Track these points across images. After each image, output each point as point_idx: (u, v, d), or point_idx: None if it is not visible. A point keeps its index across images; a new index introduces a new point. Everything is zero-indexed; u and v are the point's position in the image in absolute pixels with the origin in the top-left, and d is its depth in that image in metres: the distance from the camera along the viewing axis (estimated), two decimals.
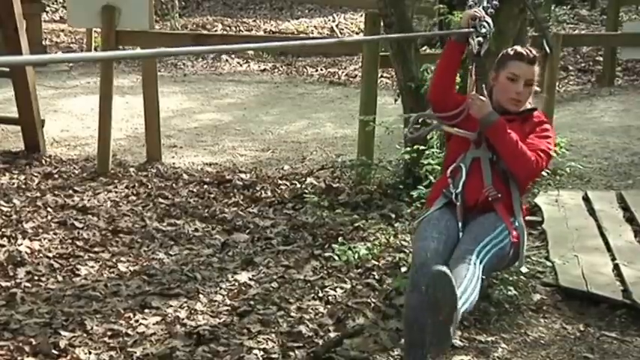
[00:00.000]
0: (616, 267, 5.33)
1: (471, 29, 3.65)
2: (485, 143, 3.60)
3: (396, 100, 7.14)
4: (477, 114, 3.54)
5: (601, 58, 13.43)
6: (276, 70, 14.41)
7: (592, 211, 6.61)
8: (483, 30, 3.63)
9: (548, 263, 5.41)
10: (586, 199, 6.98)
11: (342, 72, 14.16)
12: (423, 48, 8.79)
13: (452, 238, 3.47)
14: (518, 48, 3.75)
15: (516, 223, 3.54)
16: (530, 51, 3.70)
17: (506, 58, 3.70)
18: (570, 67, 13.78)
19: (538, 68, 3.70)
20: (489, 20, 3.67)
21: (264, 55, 15.19)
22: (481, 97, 3.56)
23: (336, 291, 4.90)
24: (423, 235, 3.51)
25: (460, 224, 3.50)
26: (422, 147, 5.48)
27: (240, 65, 14.73)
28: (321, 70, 14.37)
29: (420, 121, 4.15)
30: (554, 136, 3.79)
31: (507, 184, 3.58)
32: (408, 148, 5.93)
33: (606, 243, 5.83)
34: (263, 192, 7.04)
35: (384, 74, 12.00)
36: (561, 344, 4.43)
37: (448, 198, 3.59)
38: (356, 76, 13.23)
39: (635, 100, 11.46)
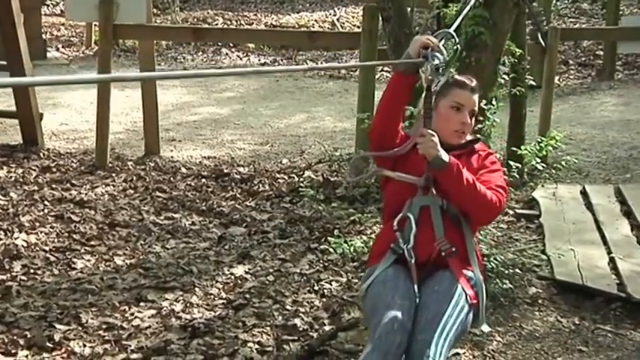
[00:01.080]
0: (612, 260, 5.33)
1: (421, 59, 3.06)
2: (434, 189, 3.12)
3: None
4: (427, 155, 3.01)
5: (601, 52, 13.42)
6: (276, 64, 14.41)
7: (589, 205, 6.61)
8: (436, 61, 3.03)
9: (544, 257, 5.42)
10: (584, 192, 6.98)
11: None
12: None
13: (413, 306, 2.97)
14: (458, 76, 3.34)
15: (474, 278, 3.09)
16: (471, 79, 3.31)
17: (446, 87, 3.23)
18: (570, 61, 13.77)
19: (477, 98, 3.31)
20: (444, 50, 3.11)
21: (265, 48, 15.19)
22: (433, 134, 3.01)
23: (331, 284, 4.91)
24: (384, 301, 2.96)
25: (416, 287, 3.00)
26: None
27: (241, 59, 14.74)
28: (321, 64, 14.37)
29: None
30: (502, 168, 3.36)
31: (460, 232, 3.13)
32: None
33: (602, 236, 5.83)
34: (261, 185, 7.04)
35: (385, 68, 12.00)
36: (556, 337, 4.44)
37: (398, 254, 3.09)
38: (356, 69, 13.21)
39: (635, 94, 11.46)
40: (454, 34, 3.19)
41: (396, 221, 3.11)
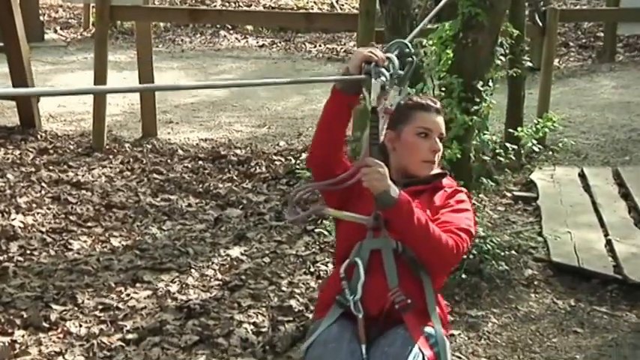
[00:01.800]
0: (608, 242, 5.33)
1: (363, 76, 2.52)
2: (386, 229, 2.61)
3: None
4: (372, 189, 2.48)
5: (602, 34, 13.36)
6: (274, 46, 14.36)
7: (587, 187, 6.60)
8: (382, 78, 2.49)
9: (541, 239, 5.41)
10: (582, 175, 6.97)
11: (341, 48, 14.10)
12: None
13: None
14: (418, 98, 2.85)
15: (434, 336, 2.56)
16: (434, 101, 2.85)
17: (408, 111, 2.75)
18: (571, 43, 13.71)
19: (443, 121, 2.84)
20: (392, 65, 2.57)
21: (263, 30, 15.14)
22: (379, 165, 2.48)
23: (327, 266, 4.91)
24: None
25: (364, 348, 2.50)
26: None
27: (239, 41, 14.69)
28: (320, 46, 14.32)
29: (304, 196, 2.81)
30: (472, 208, 2.80)
31: (418, 280, 2.60)
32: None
33: (600, 219, 5.83)
34: (257, 168, 7.03)
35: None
36: (551, 319, 4.44)
37: (344, 307, 2.58)
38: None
39: (636, 76, 11.41)
40: (409, 44, 2.60)
41: (343, 268, 2.60)
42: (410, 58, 2.60)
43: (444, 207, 2.69)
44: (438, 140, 2.75)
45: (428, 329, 2.56)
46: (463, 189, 2.81)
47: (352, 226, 2.65)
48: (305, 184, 2.73)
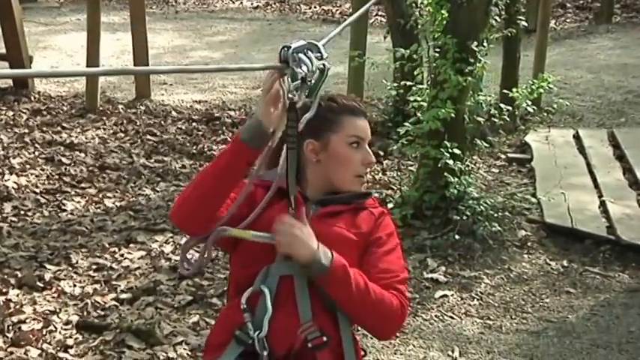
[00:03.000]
0: (602, 204, 5.34)
1: (282, 65, 1.96)
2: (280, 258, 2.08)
3: (385, 37, 7.07)
4: (295, 256, 1.99)
5: None
6: (268, 8, 14.25)
7: (582, 149, 6.60)
8: (303, 68, 1.94)
9: (534, 200, 5.42)
10: (577, 137, 6.97)
11: (336, 9, 14.01)
12: None
13: None
14: (339, 98, 2.23)
15: None
16: (359, 103, 2.27)
17: (335, 116, 2.19)
18: (568, 4, 13.63)
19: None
20: (312, 56, 1.97)
21: None
22: (296, 225, 2.00)
23: None
24: None
25: None
26: (409, 83, 5.43)
27: (233, 2, 14.57)
28: (315, 7, 14.22)
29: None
30: (398, 240, 2.24)
31: (333, 314, 2.08)
32: (395, 85, 5.89)
33: (594, 180, 5.84)
34: None
35: (380, 12, 11.88)
36: (544, 279, 4.46)
37: (245, 344, 2.05)
38: (350, 13, 13.07)
39: (633, 38, 11.36)
40: (322, 47, 2.02)
41: (245, 298, 2.04)
42: (322, 66, 2.00)
43: (374, 242, 2.17)
44: (369, 150, 2.22)
45: None
46: (386, 210, 2.29)
47: (256, 249, 2.07)
48: (196, 237, 2.11)
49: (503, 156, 6.48)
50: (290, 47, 1.94)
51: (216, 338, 2.15)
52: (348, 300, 2.03)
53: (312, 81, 1.96)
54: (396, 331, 2.32)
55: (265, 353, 2.01)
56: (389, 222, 2.24)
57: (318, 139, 2.16)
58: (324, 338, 2.03)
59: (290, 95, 1.96)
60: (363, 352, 2.17)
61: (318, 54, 1.98)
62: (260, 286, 2.04)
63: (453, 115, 4.67)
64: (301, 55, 1.95)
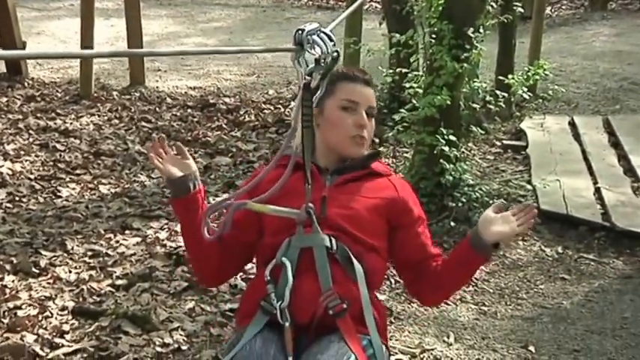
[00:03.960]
0: (597, 191, 5.35)
1: (296, 47, 2.04)
2: (318, 225, 2.20)
3: (380, 24, 7.05)
4: (508, 237, 2.29)
5: None
6: None
7: (577, 136, 6.61)
8: (317, 49, 2.02)
9: (530, 187, 5.43)
10: (572, 124, 6.97)
11: None
12: None
13: None
14: (341, 68, 2.38)
15: (371, 348, 2.18)
16: (362, 71, 2.44)
17: (331, 84, 2.29)
18: None
19: (373, 93, 2.39)
20: (327, 36, 2.04)
21: None
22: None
23: None
24: None
25: None
26: (405, 70, 5.41)
27: None
28: None
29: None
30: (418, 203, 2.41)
31: (354, 282, 2.19)
32: (391, 71, 5.87)
33: (589, 167, 5.84)
34: (247, 116, 6.99)
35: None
36: (539, 266, 4.48)
37: (270, 314, 2.16)
38: (344, 0, 13.03)
39: (628, 25, 11.35)
40: (332, 34, 2.06)
41: (268, 270, 2.18)
42: (335, 53, 2.07)
43: (407, 214, 2.33)
44: (364, 114, 2.32)
45: (365, 339, 2.17)
46: (400, 175, 2.50)
47: (279, 222, 2.23)
48: (218, 201, 2.32)
49: (498, 143, 6.48)
50: (304, 30, 2.01)
51: (245, 308, 2.30)
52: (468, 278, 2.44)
53: (327, 61, 2.02)
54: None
55: (287, 324, 2.10)
56: (410, 191, 2.40)
57: (317, 106, 2.25)
58: (344, 305, 2.14)
59: (306, 77, 2.03)
60: (389, 311, 2.31)
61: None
62: (281, 259, 2.16)
63: (448, 102, 4.66)
64: (315, 37, 2.01)
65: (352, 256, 2.19)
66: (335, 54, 2.06)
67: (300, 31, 2.02)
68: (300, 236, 2.20)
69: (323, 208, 2.21)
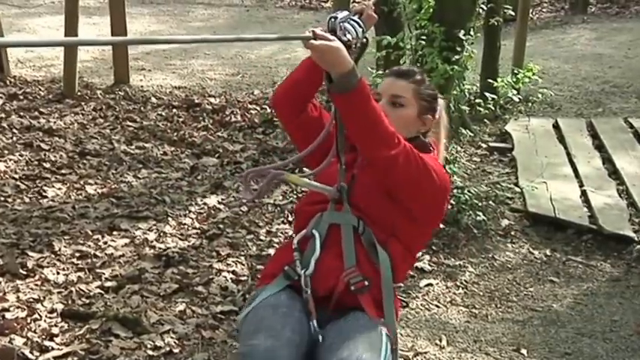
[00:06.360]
0: (584, 193, 5.38)
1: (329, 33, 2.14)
2: (348, 205, 2.29)
3: None
4: (328, 65, 2.09)
5: None
6: None
7: (561, 139, 6.65)
8: (347, 36, 2.13)
9: (517, 189, 5.45)
10: (556, 126, 7.01)
11: None
12: None
13: (305, 345, 2.15)
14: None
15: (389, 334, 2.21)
16: (403, 67, 2.57)
17: None
18: None
19: (414, 85, 2.40)
20: (357, 23, 2.18)
21: None
22: (328, 36, 2.08)
23: None
24: (271, 327, 2.13)
25: (315, 323, 2.19)
26: None
27: None
28: None
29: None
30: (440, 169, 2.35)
31: (377, 264, 2.25)
32: (380, 72, 5.85)
33: (575, 170, 5.88)
34: (233, 116, 6.96)
35: None
36: (528, 268, 4.49)
37: (292, 280, 2.26)
38: (327, 0, 13.03)
39: (608, 28, 11.45)
40: (361, 22, 2.20)
41: (297, 238, 2.30)
42: (365, 39, 2.21)
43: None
44: (386, 104, 2.36)
45: (381, 323, 2.21)
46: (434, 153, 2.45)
47: (316, 194, 2.37)
48: (258, 168, 2.43)
49: (484, 145, 6.50)
50: (337, 17, 2.15)
51: (269, 269, 2.41)
52: (363, 119, 2.12)
53: (357, 46, 2.16)
54: (384, 156, 2.17)
55: (308, 291, 2.21)
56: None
57: None
58: (366, 282, 2.22)
59: None
60: (404, 304, 2.37)
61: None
62: (312, 230, 2.29)
63: None
64: (346, 24, 2.15)
65: (377, 243, 2.26)
66: (364, 39, 2.19)
67: (332, 19, 2.15)
68: (331, 212, 2.31)
69: (351, 184, 2.31)
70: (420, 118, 2.42)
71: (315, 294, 2.22)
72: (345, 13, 2.21)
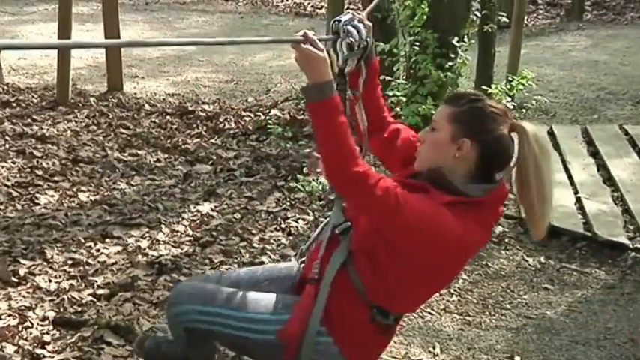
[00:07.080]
0: (578, 200, 5.37)
1: (333, 37, 2.29)
2: (339, 205, 2.41)
3: None
4: (304, 67, 2.13)
5: None
6: (241, 0, 14.14)
7: (556, 146, 6.63)
8: (349, 40, 2.24)
9: (511, 196, 5.42)
10: (551, 133, 7.00)
11: (308, 3, 13.95)
12: None
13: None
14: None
15: (308, 326, 2.30)
16: (458, 93, 2.58)
17: None
18: (539, 1, 13.75)
19: (454, 108, 2.23)
20: (361, 27, 2.28)
21: None
22: (317, 44, 2.12)
23: (298, 222, 4.88)
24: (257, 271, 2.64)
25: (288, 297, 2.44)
26: (388, 77, 5.40)
27: None
28: (287, 0, 14.14)
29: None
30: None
31: (344, 271, 2.31)
32: None
33: (569, 177, 5.87)
34: (226, 123, 6.95)
35: (352, 6, 11.84)
36: (522, 275, 4.48)
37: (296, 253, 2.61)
38: (322, 7, 13.05)
39: (604, 35, 11.48)
40: (364, 24, 2.31)
41: (323, 224, 2.52)
42: (365, 42, 2.29)
43: None
44: (425, 129, 2.33)
45: (310, 323, 2.30)
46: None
47: None
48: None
49: None
50: (341, 20, 2.27)
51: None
52: (330, 131, 2.11)
53: (360, 47, 2.27)
54: (338, 179, 2.17)
55: (300, 266, 2.52)
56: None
57: None
58: (316, 276, 2.34)
59: (340, 63, 2.27)
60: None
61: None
62: (325, 219, 2.50)
63: (433, 111, 4.66)
64: (349, 27, 2.26)
65: (346, 248, 2.32)
66: (366, 42, 2.29)
67: (336, 22, 2.27)
68: (338, 206, 2.42)
69: None
70: (455, 142, 2.22)
71: (300, 271, 2.52)
72: (349, 16, 2.29)
